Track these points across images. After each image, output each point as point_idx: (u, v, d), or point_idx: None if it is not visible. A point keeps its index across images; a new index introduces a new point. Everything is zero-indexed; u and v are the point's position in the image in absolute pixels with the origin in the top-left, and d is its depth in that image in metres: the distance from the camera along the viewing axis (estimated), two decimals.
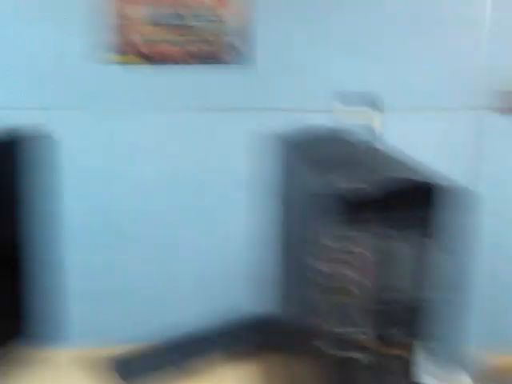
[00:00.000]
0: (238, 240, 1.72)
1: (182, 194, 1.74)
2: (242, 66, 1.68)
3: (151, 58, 1.67)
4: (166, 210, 1.74)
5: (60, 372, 1.47)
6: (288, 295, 1.22)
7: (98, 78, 1.61)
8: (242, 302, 1.70)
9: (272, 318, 1.44)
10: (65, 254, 1.67)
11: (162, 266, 1.74)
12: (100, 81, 1.61)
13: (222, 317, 1.62)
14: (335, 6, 1.67)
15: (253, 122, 1.66)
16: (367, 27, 1.64)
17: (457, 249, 0.96)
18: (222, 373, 1.44)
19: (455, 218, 0.95)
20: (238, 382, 1.39)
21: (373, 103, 1.15)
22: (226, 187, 1.72)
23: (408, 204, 0.93)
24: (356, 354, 0.97)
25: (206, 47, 1.67)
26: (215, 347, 1.49)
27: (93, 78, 1.61)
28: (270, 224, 1.41)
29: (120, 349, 1.54)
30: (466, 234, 0.99)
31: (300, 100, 1.70)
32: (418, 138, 1.55)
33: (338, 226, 0.91)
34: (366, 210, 0.91)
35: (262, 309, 1.54)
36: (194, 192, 1.74)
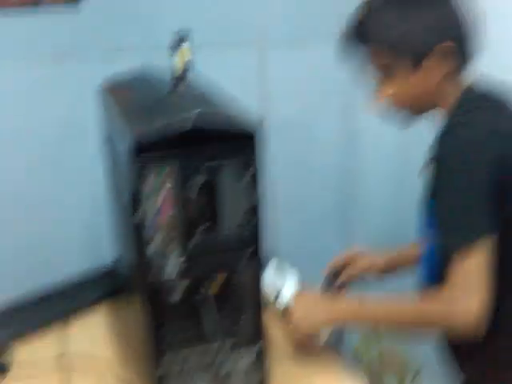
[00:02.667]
0: (82, 191, 1.75)
1: (24, 149, 1.71)
2: (76, 8, 1.66)
3: None
4: (10, 164, 1.69)
5: None
6: (123, 244, 1.25)
7: None
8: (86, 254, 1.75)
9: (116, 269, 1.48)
10: None
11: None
12: None
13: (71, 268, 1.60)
14: None
15: (92, 67, 1.65)
16: None
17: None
18: (73, 324, 1.44)
19: (259, 151, 1.01)
20: (89, 333, 1.40)
21: (184, 40, 1.18)
22: (69, 139, 1.72)
23: (216, 139, 0.98)
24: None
25: None
26: (64, 303, 1.49)
27: None
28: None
29: None
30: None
31: (137, 39, 1.71)
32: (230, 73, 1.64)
33: (142, 169, 0.95)
34: (166, 149, 0.96)
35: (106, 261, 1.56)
36: (35, 147, 1.71)
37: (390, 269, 1.42)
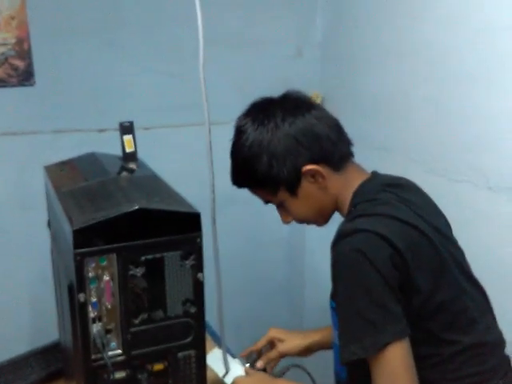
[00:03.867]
0: (32, 266, 1.79)
1: None
2: (26, 87, 1.73)
3: None
4: None
5: None
6: (63, 324, 1.25)
7: None
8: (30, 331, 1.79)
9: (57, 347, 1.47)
10: None
11: None
12: None
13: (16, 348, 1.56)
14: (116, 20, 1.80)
15: (42, 146, 1.73)
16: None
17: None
18: None
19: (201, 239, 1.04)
20: None
21: (127, 127, 1.24)
22: (18, 212, 1.78)
23: (159, 230, 1.01)
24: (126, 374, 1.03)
25: None
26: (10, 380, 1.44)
27: None
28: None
29: None
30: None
31: (87, 122, 1.80)
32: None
33: (81, 260, 0.97)
34: (106, 241, 0.98)
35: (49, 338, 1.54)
36: None
37: (309, 351, 1.44)
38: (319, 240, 2.17)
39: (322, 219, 1.25)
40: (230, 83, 1.92)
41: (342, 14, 1.95)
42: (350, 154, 1.22)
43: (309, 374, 1.37)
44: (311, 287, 2.25)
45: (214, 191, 1.13)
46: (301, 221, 1.25)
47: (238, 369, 1.29)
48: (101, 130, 1.80)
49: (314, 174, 1.16)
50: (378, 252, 1.03)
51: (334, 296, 1.11)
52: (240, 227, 2.07)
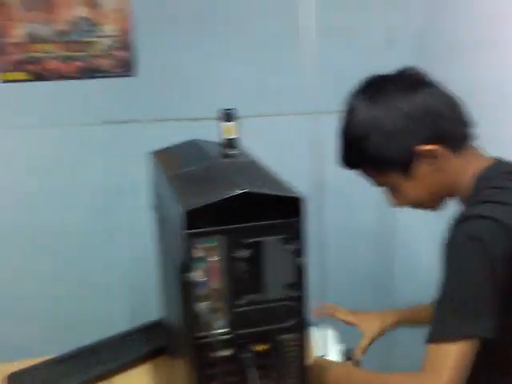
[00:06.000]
0: (134, 252, 1.85)
1: (76, 208, 1.84)
2: (128, 77, 1.80)
3: (37, 74, 1.74)
4: (62, 223, 1.83)
5: None
6: (169, 303, 1.29)
7: None
8: (133, 311, 1.86)
9: (161, 325, 1.51)
10: None
11: (57, 279, 1.85)
12: None
13: (116, 327, 1.64)
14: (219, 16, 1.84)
15: (141, 134, 1.78)
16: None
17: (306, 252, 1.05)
18: (120, 381, 1.46)
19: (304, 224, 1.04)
20: None
21: (229, 115, 1.21)
22: (118, 198, 1.84)
23: (263, 214, 1.02)
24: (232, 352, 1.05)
25: (91, 61, 1.77)
26: (112, 356, 1.51)
27: None
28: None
29: (15, 365, 1.50)
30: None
31: (186, 111, 1.84)
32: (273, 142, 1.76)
33: (192, 240, 0.99)
34: (215, 223, 1.00)
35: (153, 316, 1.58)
36: (88, 206, 1.86)
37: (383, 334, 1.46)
38: (411, 233, 2.16)
39: (433, 203, 1.20)
40: (325, 73, 1.92)
41: (436, 4, 1.91)
42: (470, 136, 1.15)
43: None
44: (400, 281, 2.22)
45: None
46: (410, 204, 1.20)
47: (335, 354, 1.30)
48: (197, 119, 1.84)
49: (430, 155, 1.11)
50: (498, 244, 0.99)
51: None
52: (329, 217, 2.07)
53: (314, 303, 1.41)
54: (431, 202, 1.20)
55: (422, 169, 1.13)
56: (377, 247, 2.20)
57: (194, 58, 1.83)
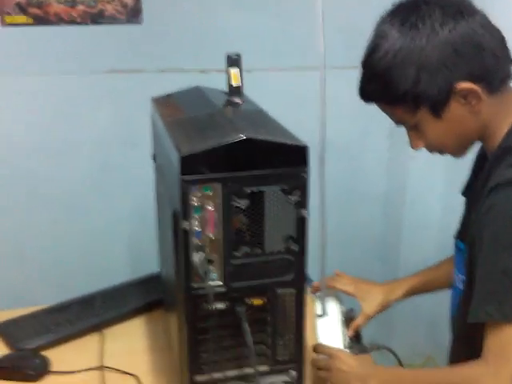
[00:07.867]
0: (136, 204, 1.83)
1: (79, 158, 1.81)
2: (134, 24, 1.73)
3: (39, 18, 1.67)
4: (64, 173, 1.80)
5: None
6: (166, 254, 1.25)
7: None
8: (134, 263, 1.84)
9: (157, 278, 1.49)
10: None
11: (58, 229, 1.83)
12: None
13: (116, 279, 1.61)
14: None
15: (147, 85, 1.69)
16: None
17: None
18: (113, 332, 1.44)
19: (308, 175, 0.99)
20: (126, 343, 1.40)
21: (235, 60, 1.17)
22: (121, 149, 1.81)
23: (265, 162, 0.98)
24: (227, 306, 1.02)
25: (97, 6, 1.70)
26: (107, 308, 1.49)
27: None
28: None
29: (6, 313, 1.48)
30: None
31: (194, 62, 1.79)
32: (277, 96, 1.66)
33: (188, 186, 0.95)
34: (214, 170, 0.96)
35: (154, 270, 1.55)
36: (92, 156, 1.82)
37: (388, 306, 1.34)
38: (421, 195, 2.11)
39: (461, 149, 1.07)
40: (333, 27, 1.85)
41: None
42: (511, 76, 1.01)
43: (394, 354, 1.27)
44: (407, 244, 2.18)
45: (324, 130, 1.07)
46: (435, 148, 1.07)
47: (335, 317, 1.25)
48: (203, 71, 1.78)
49: (467, 94, 0.97)
50: None
51: (469, 239, 1.01)
52: (337, 178, 2.02)
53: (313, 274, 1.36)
54: (457, 147, 1.07)
55: (456, 109, 0.99)
56: (384, 210, 2.16)
57: (201, 8, 1.76)
